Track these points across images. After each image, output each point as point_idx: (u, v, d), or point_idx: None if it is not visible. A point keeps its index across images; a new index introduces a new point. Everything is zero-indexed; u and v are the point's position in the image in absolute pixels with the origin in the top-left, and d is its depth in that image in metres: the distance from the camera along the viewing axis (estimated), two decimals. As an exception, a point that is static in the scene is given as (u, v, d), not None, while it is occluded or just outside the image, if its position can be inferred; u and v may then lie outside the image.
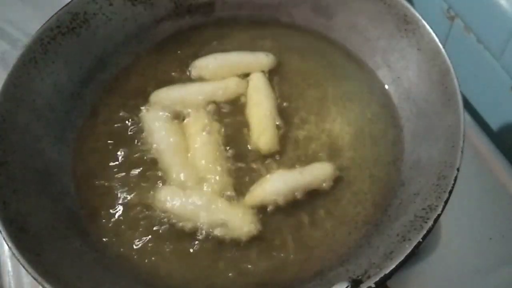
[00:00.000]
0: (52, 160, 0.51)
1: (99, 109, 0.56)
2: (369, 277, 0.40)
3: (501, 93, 0.64)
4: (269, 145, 0.51)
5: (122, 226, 0.49)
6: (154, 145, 0.52)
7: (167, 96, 0.55)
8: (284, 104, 0.55)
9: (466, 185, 0.53)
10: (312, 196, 0.49)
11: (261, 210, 0.48)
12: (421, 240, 0.40)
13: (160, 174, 0.51)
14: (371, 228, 0.48)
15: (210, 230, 0.47)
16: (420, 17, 0.52)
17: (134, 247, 0.48)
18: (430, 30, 0.51)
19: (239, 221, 0.47)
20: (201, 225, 0.47)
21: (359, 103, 0.55)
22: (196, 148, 0.51)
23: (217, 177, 0.49)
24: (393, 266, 0.39)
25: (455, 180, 0.42)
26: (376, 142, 0.53)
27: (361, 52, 0.58)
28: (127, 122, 0.54)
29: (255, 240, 0.47)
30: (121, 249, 0.48)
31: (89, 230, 0.48)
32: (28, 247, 0.42)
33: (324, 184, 0.50)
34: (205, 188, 0.49)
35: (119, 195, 0.50)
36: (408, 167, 0.50)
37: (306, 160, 0.51)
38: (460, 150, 0.44)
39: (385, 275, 0.39)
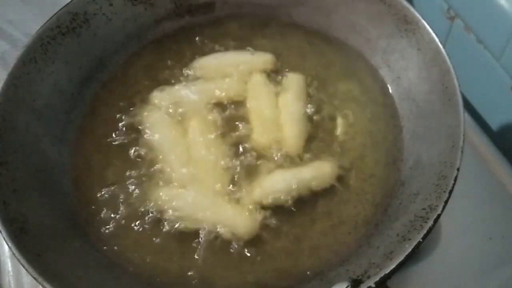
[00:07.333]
0: (52, 160, 0.51)
1: (99, 109, 0.56)
2: (369, 277, 0.40)
3: (501, 93, 0.64)
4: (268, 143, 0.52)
5: (122, 226, 0.49)
6: (155, 145, 0.52)
7: (167, 96, 0.55)
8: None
9: (466, 185, 0.53)
10: (312, 195, 0.49)
11: (261, 209, 0.48)
12: (421, 240, 0.40)
13: (160, 174, 0.51)
14: (371, 228, 0.48)
15: (210, 229, 0.47)
16: (420, 17, 0.52)
17: (134, 246, 0.48)
18: (430, 30, 0.51)
19: (239, 221, 0.47)
20: (201, 225, 0.47)
21: (359, 103, 0.55)
22: (196, 148, 0.51)
23: (218, 177, 0.50)
24: (393, 266, 0.39)
25: (455, 180, 0.42)
26: (376, 142, 0.53)
27: (361, 52, 0.58)
28: (127, 122, 0.54)
29: (255, 239, 0.47)
30: (121, 249, 0.48)
31: (89, 230, 0.48)
32: (28, 247, 0.42)
33: (324, 184, 0.50)
34: (205, 187, 0.49)
35: (119, 195, 0.50)
36: (408, 167, 0.50)
37: (306, 159, 0.51)
38: (460, 150, 0.44)
39: (385, 275, 0.39)
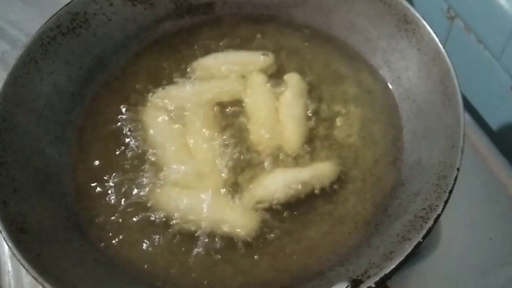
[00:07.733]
0: (52, 160, 0.51)
1: (99, 109, 0.56)
2: (369, 277, 0.40)
3: (501, 93, 0.64)
4: (267, 143, 0.52)
5: (122, 226, 0.49)
6: (154, 145, 0.52)
7: (167, 96, 0.55)
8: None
9: (466, 185, 0.53)
10: (312, 195, 0.49)
11: (261, 209, 0.48)
12: (421, 240, 0.40)
13: (160, 174, 0.51)
14: (371, 228, 0.48)
15: (210, 229, 0.47)
16: (420, 17, 0.52)
17: (134, 246, 0.48)
18: (430, 30, 0.51)
19: (239, 220, 0.47)
20: (201, 225, 0.47)
21: (359, 103, 0.55)
22: (195, 148, 0.51)
23: (217, 177, 0.50)
24: (393, 266, 0.39)
25: (455, 180, 0.42)
26: (376, 142, 0.53)
27: (361, 52, 0.58)
28: (127, 122, 0.54)
29: (254, 239, 0.47)
30: (121, 249, 0.48)
31: (89, 230, 0.49)
32: (28, 247, 0.42)
33: (324, 184, 0.50)
34: (205, 187, 0.49)
35: (119, 195, 0.50)
36: (408, 167, 0.50)
37: (306, 159, 0.51)
38: (460, 150, 0.44)
39: (385, 275, 0.39)
